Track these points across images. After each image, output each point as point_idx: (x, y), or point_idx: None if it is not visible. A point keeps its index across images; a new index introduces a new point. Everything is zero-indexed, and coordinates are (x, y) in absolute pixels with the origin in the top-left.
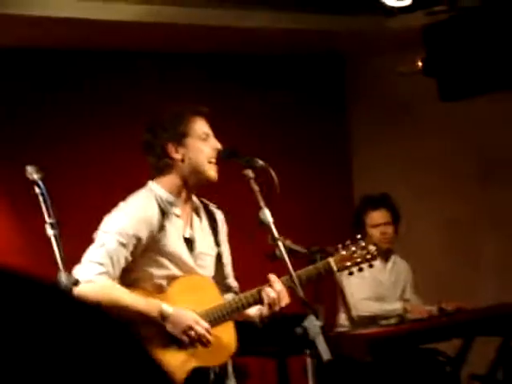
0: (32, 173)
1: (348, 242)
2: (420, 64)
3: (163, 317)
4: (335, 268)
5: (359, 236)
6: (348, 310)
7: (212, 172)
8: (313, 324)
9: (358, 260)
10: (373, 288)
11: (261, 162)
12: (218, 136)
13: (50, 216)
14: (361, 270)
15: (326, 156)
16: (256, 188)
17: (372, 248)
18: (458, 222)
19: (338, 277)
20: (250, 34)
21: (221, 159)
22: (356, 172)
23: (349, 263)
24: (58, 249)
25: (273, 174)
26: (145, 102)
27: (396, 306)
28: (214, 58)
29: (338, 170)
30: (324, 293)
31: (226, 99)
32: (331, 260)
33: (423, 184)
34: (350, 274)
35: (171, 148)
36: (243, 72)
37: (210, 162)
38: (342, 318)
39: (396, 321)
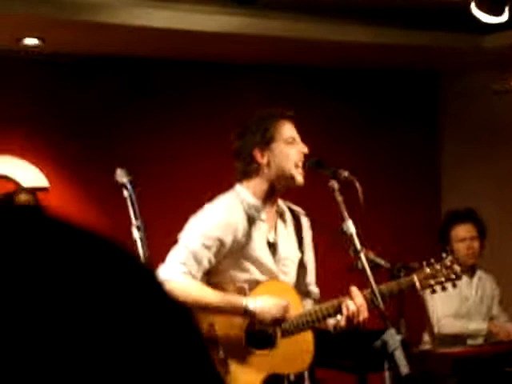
0: (121, 176)
1: (433, 260)
2: None
3: (247, 310)
4: (418, 285)
5: (444, 254)
6: (430, 328)
7: (299, 176)
8: (392, 337)
9: (442, 279)
10: (458, 304)
11: (346, 174)
12: (307, 146)
13: (136, 219)
14: (444, 288)
15: (416, 172)
16: (340, 199)
17: (457, 267)
18: None
19: (423, 293)
20: (345, 48)
21: (307, 168)
22: (445, 189)
23: (432, 281)
24: (143, 251)
25: (358, 186)
26: (234, 110)
27: (481, 325)
28: (309, 70)
29: (427, 187)
30: (408, 308)
31: (317, 111)
32: (415, 277)
33: (510, 202)
34: (433, 291)
35: (257, 153)
36: (338, 85)
37: (296, 166)
38: (426, 338)
39: (482, 340)
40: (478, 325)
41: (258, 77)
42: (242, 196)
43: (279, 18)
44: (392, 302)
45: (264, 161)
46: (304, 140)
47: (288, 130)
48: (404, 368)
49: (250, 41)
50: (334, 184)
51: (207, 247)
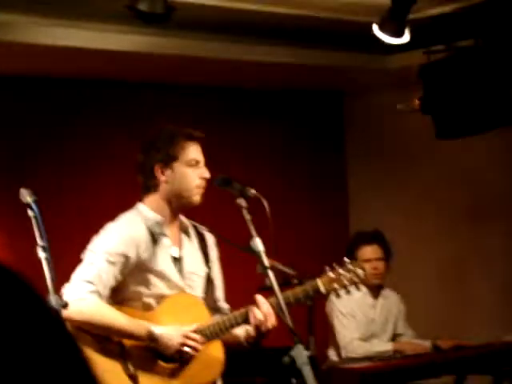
0: (26, 195)
1: (335, 264)
2: (418, 102)
3: (152, 339)
4: (323, 289)
5: (347, 259)
6: (337, 348)
7: (194, 198)
8: (300, 353)
9: (346, 282)
10: (365, 327)
11: (253, 191)
12: (212, 164)
13: (42, 239)
14: (348, 292)
15: (323, 191)
16: (248, 217)
17: (359, 271)
18: (449, 258)
19: (331, 315)
20: (250, 68)
21: (214, 186)
22: (353, 209)
23: (336, 285)
24: (49, 271)
25: (265, 203)
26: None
27: (386, 347)
28: (213, 90)
29: (335, 204)
30: (316, 325)
31: (223, 131)
32: (319, 281)
33: (418, 221)
34: (338, 296)
35: (158, 169)
36: (242, 105)
37: (194, 190)
38: (332, 355)
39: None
40: (382, 346)
41: (173, 96)
42: (143, 213)
43: (193, 37)
44: (301, 318)
45: (163, 178)
46: (211, 158)
47: (192, 152)
48: None
49: (164, 60)
50: (242, 202)
51: (112, 263)
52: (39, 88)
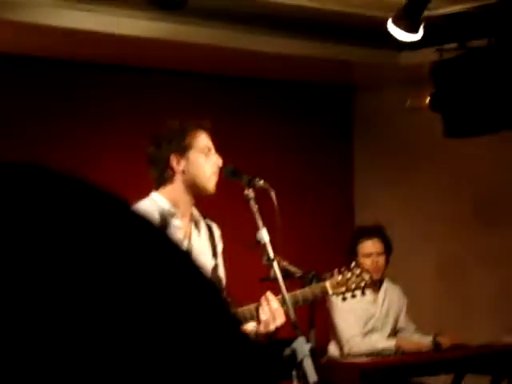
0: None
1: (343, 269)
2: (427, 100)
3: None
4: (331, 292)
5: (354, 263)
6: (338, 343)
7: (211, 185)
8: (302, 346)
9: (353, 286)
10: (365, 322)
11: (261, 183)
12: (220, 154)
13: None
14: (354, 296)
15: (331, 186)
16: (255, 208)
17: (366, 276)
18: (451, 257)
19: (331, 310)
20: (262, 58)
21: (223, 177)
22: (358, 203)
23: (343, 289)
24: None
25: (273, 195)
26: (154, 115)
27: (389, 344)
28: (224, 79)
29: (341, 200)
30: (318, 318)
31: (233, 120)
32: (327, 283)
33: (422, 218)
34: (344, 299)
35: (174, 160)
36: (257, 96)
37: (210, 177)
38: (333, 348)
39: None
40: (385, 343)
41: (179, 83)
42: (157, 203)
43: (208, 25)
44: (303, 312)
45: (180, 168)
46: (221, 149)
47: (204, 140)
48: (312, 377)
49: (172, 47)
50: (250, 193)
51: None
52: (51, 70)
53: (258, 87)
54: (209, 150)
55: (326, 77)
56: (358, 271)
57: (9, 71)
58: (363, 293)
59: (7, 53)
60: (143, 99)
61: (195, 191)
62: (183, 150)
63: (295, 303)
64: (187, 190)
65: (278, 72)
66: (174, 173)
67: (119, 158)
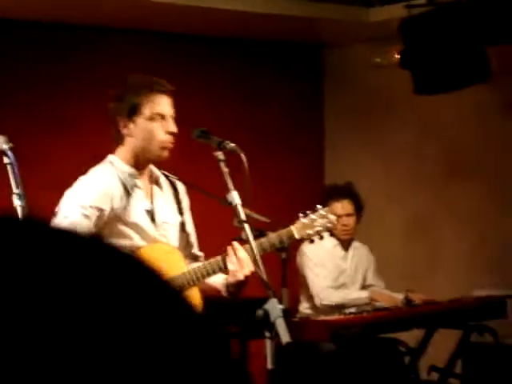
0: (1, 143)
1: (308, 211)
2: (397, 56)
3: None
4: (297, 235)
5: (319, 206)
6: (309, 298)
7: (161, 153)
8: (274, 307)
9: (319, 228)
10: (336, 276)
11: (232, 145)
12: (190, 116)
13: (17, 187)
14: (321, 237)
15: (300, 144)
16: (225, 170)
17: (331, 217)
18: (421, 214)
19: (302, 266)
20: (234, 17)
21: (193, 138)
22: (327, 161)
23: (310, 231)
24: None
25: (243, 156)
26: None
27: (361, 294)
28: (197, 39)
29: (310, 159)
30: (289, 277)
31: (205, 80)
32: (293, 228)
33: (392, 174)
34: (311, 241)
35: (121, 122)
36: (226, 55)
37: (161, 145)
38: (304, 307)
39: (360, 309)
40: (359, 294)
41: (143, 42)
42: (115, 164)
43: None
44: (274, 271)
45: (126, 131)
46: (192, 110)
47: (158, 105)
48: (285, 337)
49: (138, 5)
50: (220, 155)
51: (87, 216)
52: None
53: (226, 46)
54: (162, 116)
55: (294, 34)
56: (323, 212)
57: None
58: (331, 233)
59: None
60: (131, 61)
61: (144, 156)
62: (132, 113)
63: (263, 250)
64: (137, 154)
65: (246, 31)
66: (122, 135)
67: (82, 119)
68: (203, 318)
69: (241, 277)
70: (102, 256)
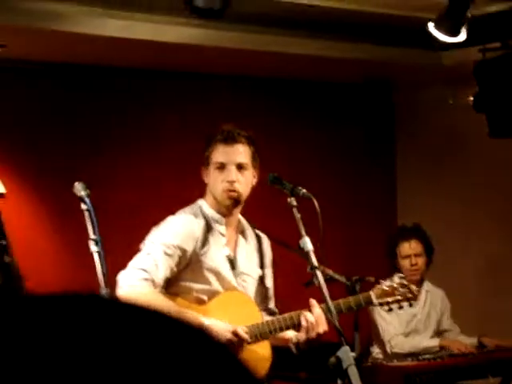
0: (79, 189)
1: (390, 279)
2: (471, 99)
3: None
4: (376, 302)
5: (402, 274)
6: (381, 345)
7: (223, 201)
8: (347, 354)
9: (399, 297)
10: (407, 322)
11: (304, 191)
12: (264, 162)
13: (94, 233)
14: (401, 307)
15: (373, 188)
16: (298, 216)
17: (413, 287)
18: (499, 259)
19: (372, 311)
20: (304, 61)
21: (268, 184)
22: (400, 204)
23: (389, 299)
24: (101, 265)
25: (316, 203)
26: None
27: (432, 343)
28: (263, 82)
29: (384, 203)
30: (362, 321)
31: (271, 123)
32: (372, 293)
33: (465, 219)
34: (390, 310)
35: (202, 171)
36: (291, 97)
37: (222, 192)
38: (376, 352)
39: (434, 355)
40: (429, 342)
41: (222, 87)
42: (202, 208)
43: (246, 30)
44: (346, 315)
45: (205, 180)
46: (262, 155)
47: (219, 154)
48: None
49: (206, 52)
50: (293, 201)
51: (169, 255)
52: (93, 78)
53: (297, 89)
54: (222, 165)
55: (368, 77)
56: (405, 281)
57: (56, 79)
58: (410, 305)
59: (54, 61)
60: (183, 103)
61: (220, 204)
62: (206, 163)
63: (338, 312)
64: (215, 200)
65: (321, 74)
66: (206, 183)
67: (165, 160)
68: None
69: (313, 335)
70: (171, 334)
